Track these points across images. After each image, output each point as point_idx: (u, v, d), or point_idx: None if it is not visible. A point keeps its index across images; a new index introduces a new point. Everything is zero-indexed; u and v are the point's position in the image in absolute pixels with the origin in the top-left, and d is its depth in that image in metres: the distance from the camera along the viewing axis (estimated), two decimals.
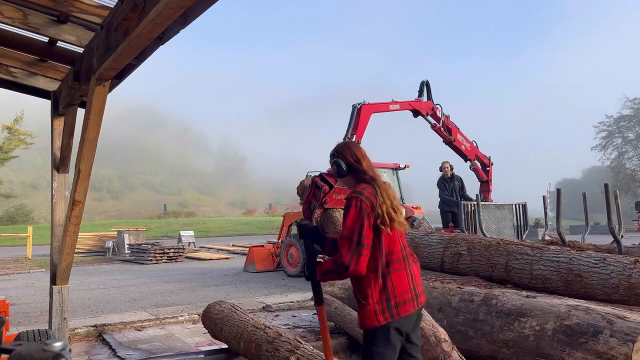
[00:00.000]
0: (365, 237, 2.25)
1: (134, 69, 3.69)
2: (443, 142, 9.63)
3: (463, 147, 9.58)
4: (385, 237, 2.31)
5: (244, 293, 9.13)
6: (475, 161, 10.10)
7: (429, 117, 9.03)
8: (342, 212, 3.53)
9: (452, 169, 10.09)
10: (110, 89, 3.49)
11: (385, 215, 2.29)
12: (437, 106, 9.04)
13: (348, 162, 2.48)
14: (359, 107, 6.64)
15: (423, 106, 8.86)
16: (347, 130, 6.13)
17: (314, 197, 4.37)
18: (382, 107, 8.33)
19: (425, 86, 9.02)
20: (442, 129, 9.18)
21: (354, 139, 5.81)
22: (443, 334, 3.08)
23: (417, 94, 9.17)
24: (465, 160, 10.05)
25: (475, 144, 9.98)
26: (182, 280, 11.32)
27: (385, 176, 11.24)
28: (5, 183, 49.09)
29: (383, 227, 2.28)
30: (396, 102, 8.56)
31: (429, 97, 9.08)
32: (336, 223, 4.00)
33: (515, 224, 9.36)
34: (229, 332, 4.14)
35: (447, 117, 9.20)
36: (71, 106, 4.55)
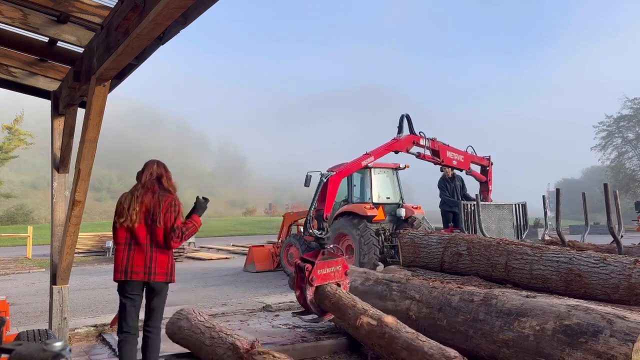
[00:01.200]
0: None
1: (134, 69, 3.70)
2: (434, 164, 9.52)
3: (455, 163, 9.47)
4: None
5: (244, 293, 9.13)
6: (471, 168, 10.06)
7: (411, 150, 8.82)
8: (332, 286, 4.36)
9: (452, 169, 10.10)
10: (110, 89, 3.49)
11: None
12: (421, 134, 8.81)
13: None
14: (326, 180, 6.23)
15: (403, 144, 8.58)
16: (313, 201, 5.72)
17: (302, 281, 4.57)
18: (354, 168, 8.05)
19: (405, 119, 8.76)
20: (427, 155, 8.99)
21: (321, 214, 5.50)
22: (453, 352, 3.14)
23: (396, 129, 8.91)
24: (461, 171, 10.01)
25: (471, 150, 9.92)
26: (182, 280, 11.32)
27: (385, 176, 11.25)
28: (5, 183, 49.06)
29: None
30: (369, 154, 8.19)
31: (411, 130, 8.79)
32: (330, 298, 4.13)
33: (515, 223, 9.35)
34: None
35: (433, 140, 8.98)
36: (71, 106, 4.55)
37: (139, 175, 3.75)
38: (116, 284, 3.83)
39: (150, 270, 3.67)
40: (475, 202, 8.50)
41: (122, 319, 3.71)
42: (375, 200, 10.65)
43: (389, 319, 3.51)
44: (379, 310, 3.77)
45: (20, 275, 13.49)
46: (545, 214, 10.02)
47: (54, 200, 4.82)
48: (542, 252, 5.11)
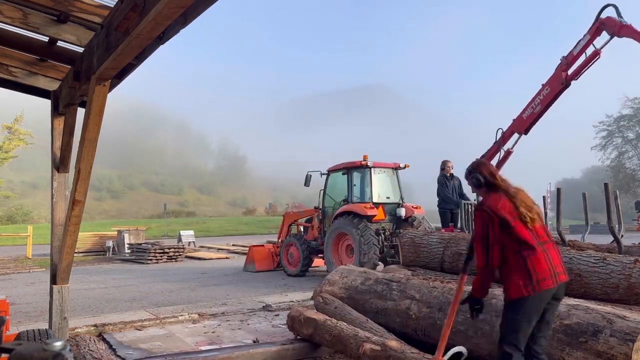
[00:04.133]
0: (492, 238, 2.93)
1: (134, 68, 3.70)
2: None
3: None
4: (519, 231, 2.90)
5: (244, 292, 9.14)
6: None
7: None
8: (333, 320, 4.37)
9: (452, 167, 10.18)
10: (110, 89, 3.49)
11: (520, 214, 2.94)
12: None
13: (484, 176, 3.13)
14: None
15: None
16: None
17: None
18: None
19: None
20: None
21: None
22: None
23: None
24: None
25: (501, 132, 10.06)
26: (182, 279, 11.32)
27: (385, 175, 11.25)
28: (5, 183, 49.08)
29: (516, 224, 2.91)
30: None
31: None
32: (331, 331, 4.29)
33: None
34: None
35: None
36: (71, 106, 4.55)
37: (485, 177, 3.13)
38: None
39: (555, 272, 2.92)
40: (474, 202, 8.50)
41: (519, 341, 2.93)
42: (375, 199, 10.65)
43: (393, 343, 3.53)
44: (381, 339, 3.80)
45: (20, 275, 13.49)
46: (545, 214, 10.01)
47: (54, 200, 4.82)
48: None
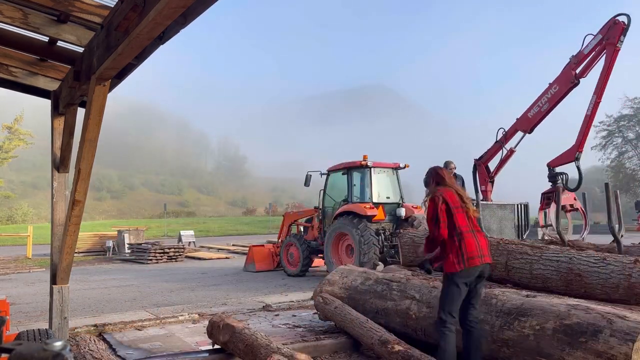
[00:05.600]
0: (441, 217, 3.62)
1: (134, 68, 3.70)
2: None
3: None
4: (458, 217, 3.65)
5: (244, 292, 9.14)
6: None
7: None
8: (250, 329, 4.31)
9: (455, 168, 10.18)
10: (110, 89, 3.48)
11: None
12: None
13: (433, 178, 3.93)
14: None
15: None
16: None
17: None
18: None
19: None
20: None
21: None
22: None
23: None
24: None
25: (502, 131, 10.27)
26: (182, 279, 11.32)
27: (385, 175, 11.26)
28: (5, 183, 49.10)
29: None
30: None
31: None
32: (246, 339, 4.19)
33: (517, 223, 9.36)
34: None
35: None
36: (71, 106, 4.55)
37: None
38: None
39: (482, 254, 3.66)
40: (475, 202, 8.50)
41: (452, 309, 3.59)
42: (375, 199, 10.65)
43: (302, 357, 3.52)
44: (292, 350, 3.77)
45: (21, 275, 13.49)
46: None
47: (54, 200, 4.82)
48: (542, 252, 5.11)
